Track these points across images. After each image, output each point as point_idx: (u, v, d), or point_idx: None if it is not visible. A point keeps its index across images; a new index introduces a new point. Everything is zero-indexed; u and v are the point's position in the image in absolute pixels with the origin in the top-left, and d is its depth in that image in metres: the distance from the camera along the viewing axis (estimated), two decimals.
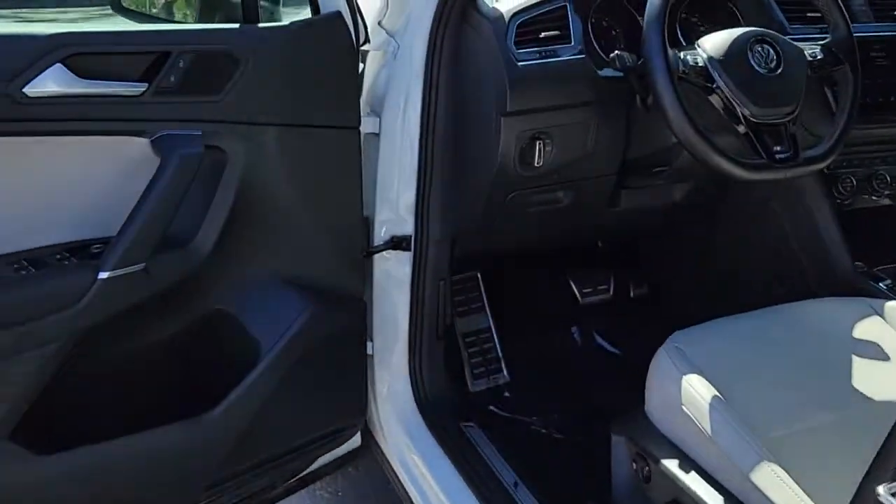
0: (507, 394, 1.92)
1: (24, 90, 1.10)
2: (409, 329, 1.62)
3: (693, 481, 1.19)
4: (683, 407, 1.22)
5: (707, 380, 1.22)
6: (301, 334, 1.39)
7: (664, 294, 2.15)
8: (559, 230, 1.82)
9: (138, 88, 1.17)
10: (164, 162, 1.20)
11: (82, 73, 1.15)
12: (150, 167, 1.20)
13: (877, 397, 1.23)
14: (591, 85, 1.53)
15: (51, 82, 1.11)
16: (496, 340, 1.96)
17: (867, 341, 1.34)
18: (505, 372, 1.94)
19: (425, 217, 1.57)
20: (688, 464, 1.21)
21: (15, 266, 1.17)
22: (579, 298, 2.11)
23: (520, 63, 1.47)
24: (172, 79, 1.20)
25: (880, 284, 1.65)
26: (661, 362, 1.32)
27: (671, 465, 1.23)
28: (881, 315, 1.40)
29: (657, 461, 1.26)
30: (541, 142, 1.53)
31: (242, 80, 1.24)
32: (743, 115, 1.37)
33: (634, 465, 1.34)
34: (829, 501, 1.04)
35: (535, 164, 1.54)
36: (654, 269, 2.17)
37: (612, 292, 2.14)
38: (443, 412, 1.66)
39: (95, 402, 1.31)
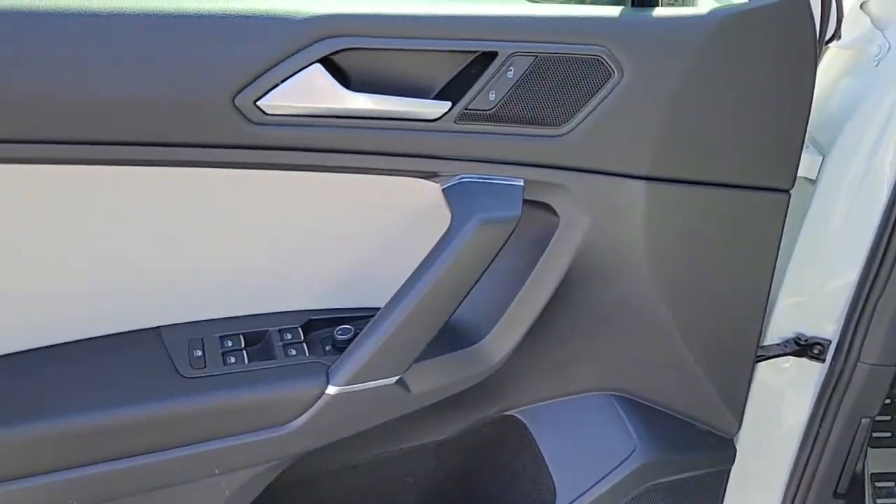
0: None
1: (260, 103, 0.71)
2: (788, 478, 1.18)
3: None
4: None
5: None
6: (624, 486, 0.98)
7: None
8: None
9: (436, 109, 0.77)
10: (456, 223, 0.78)
11: (351, 81, 0.73)
12: (437, 225, 0.80)
13: None
14: None
15: (302, 92, 0.71)
16: None
17: None
18: None
19: (866, 318, 1.08)
20: None
21: (229, 343, 0.81)
22: None
23: None
24: (492, 96, 0.76)
25: None
26: None
27: None
28: None
29: None
30: None
31: (609, 103, 0.78)
32: None
33: None
34: None
35: None
36: None
37: None
38: None
39: None
